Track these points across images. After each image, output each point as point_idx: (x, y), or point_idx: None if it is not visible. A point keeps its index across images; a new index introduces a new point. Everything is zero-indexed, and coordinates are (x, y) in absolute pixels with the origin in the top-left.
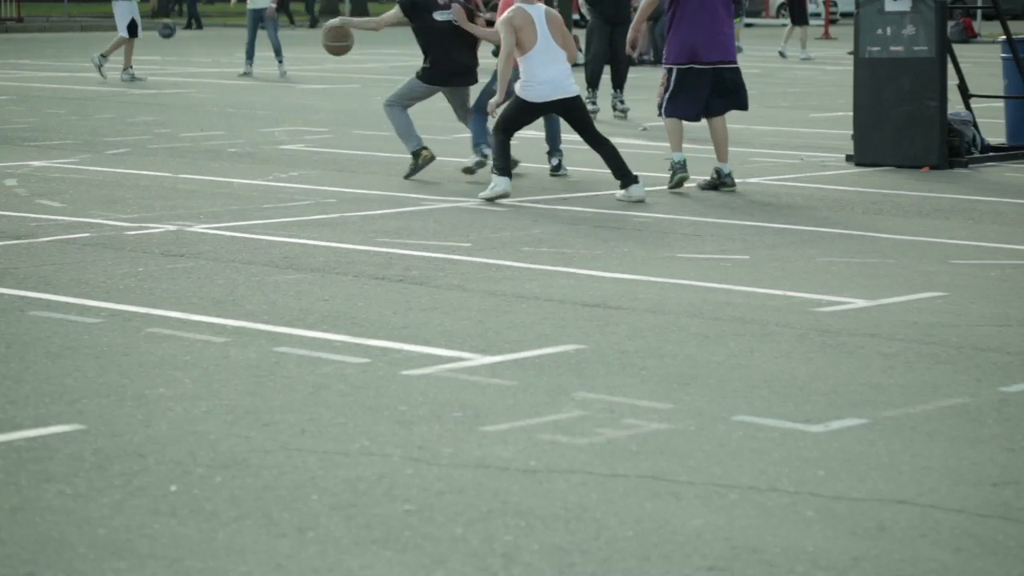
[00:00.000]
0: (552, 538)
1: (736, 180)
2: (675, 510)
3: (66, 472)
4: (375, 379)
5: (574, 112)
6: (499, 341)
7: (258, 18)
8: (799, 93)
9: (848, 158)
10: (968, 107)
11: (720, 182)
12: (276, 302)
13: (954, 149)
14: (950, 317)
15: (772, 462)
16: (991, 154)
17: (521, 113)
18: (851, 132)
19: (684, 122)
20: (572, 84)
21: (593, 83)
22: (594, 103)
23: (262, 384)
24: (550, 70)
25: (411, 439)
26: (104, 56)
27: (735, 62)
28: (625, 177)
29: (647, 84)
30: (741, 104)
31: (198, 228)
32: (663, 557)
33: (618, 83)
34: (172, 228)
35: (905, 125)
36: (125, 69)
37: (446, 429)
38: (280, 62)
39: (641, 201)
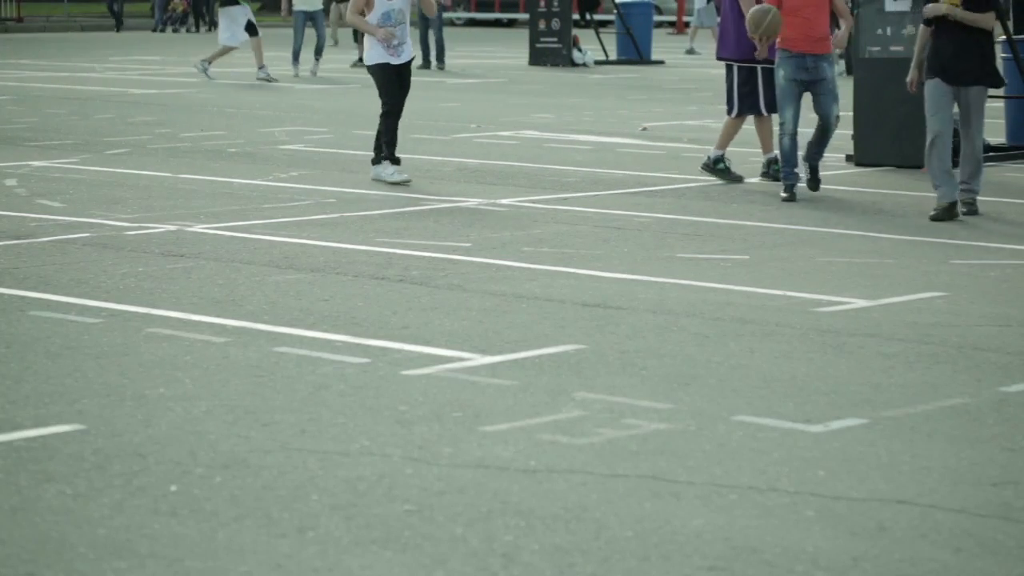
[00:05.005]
0: (552, 538)
1: (734, 180)
2: (675, 510)
3: (66, 472)
4: (375, 379)
5: None
6: (499, 341)
7: (307, 19)
8: None
9: (848, 158)
10: None
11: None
12: (276, 302)
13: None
14: (950, 317)
15: (772, 462)
16: (991, 154)
17: None
18: (851, 132)
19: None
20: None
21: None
22: None
23: (262, 384)
24: None
25: (411, 439)
26: (207, 61)
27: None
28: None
29: (643, 84)
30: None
31: (198, 228)
32: (663, 557)
33: None
34: (172, 228)
35: (905, 125)
36: (260, 67)
37: (446, 429)
38: (317, 61)
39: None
